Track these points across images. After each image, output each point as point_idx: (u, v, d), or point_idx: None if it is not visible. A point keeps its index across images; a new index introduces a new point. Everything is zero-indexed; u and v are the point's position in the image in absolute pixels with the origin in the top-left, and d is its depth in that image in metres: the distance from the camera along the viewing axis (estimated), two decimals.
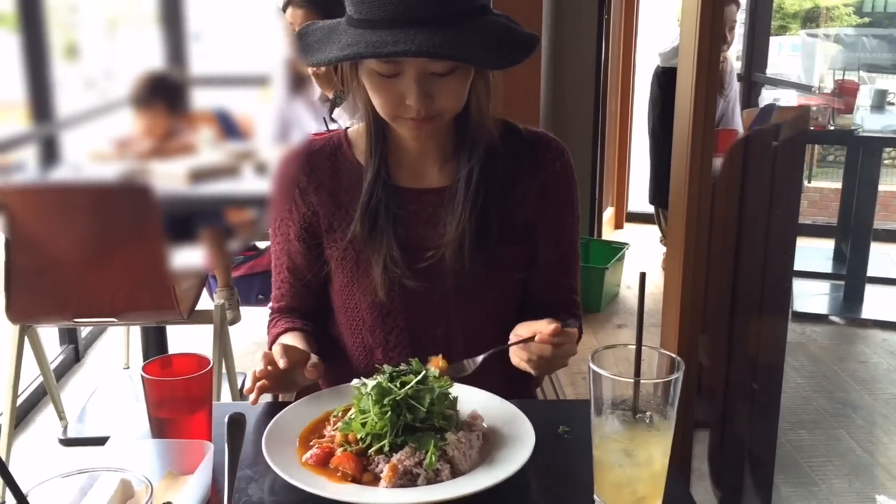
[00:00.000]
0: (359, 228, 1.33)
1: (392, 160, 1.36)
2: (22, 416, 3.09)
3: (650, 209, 5.50)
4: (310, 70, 2.59)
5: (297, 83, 2.57)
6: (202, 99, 2.41)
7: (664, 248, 4.77)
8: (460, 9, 1.16)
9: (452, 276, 1.32)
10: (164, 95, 2.09)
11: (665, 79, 4.58)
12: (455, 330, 1.37)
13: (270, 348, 1.33)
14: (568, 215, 1.41)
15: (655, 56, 4.77)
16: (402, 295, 1.35)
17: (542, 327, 1.17)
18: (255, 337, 3.73)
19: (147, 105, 2.06)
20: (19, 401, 2.87)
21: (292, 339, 1.35)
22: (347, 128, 1.44)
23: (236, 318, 3.03)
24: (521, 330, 1.23)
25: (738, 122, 4.60)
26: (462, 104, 1.26)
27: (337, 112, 2.61)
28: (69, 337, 3.64)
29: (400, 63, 1.18)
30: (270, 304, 1.50)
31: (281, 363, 1.17)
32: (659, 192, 4.71)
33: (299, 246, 1.41)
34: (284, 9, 2.68)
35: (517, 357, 1.23)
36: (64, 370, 3.54)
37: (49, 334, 3.41)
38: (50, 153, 2.46)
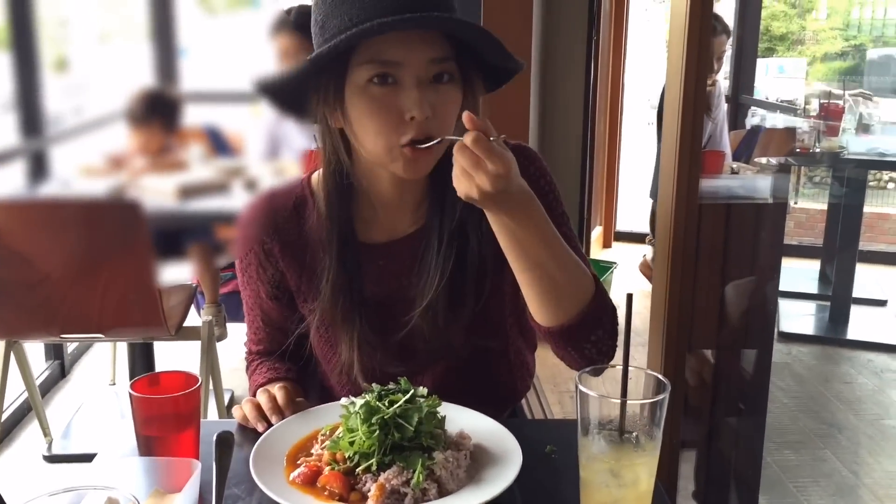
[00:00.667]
0: (328, 307, 1.27)
1: (358, 216, 1.29)
2: (6, 432, 3.06)
3: (638, 228, 5.55)
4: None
5: None
6: (192, 115, 2.41)
7: (649, 250, 4.82)
8: (451, 9, 1.14)
9: (432, 335, 1.26)
10: (161, 112, 2.09)
11: None
12: (451, 368, 1.33)
13: (253, 394, 1.31)
14: (555, 218, 1.24)
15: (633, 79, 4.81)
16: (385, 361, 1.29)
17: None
18: (242, 354, 3.70)
19: (143, 122, 2.05)
20: (4, 416, 2.85)
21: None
22: (310, 174, 1.35)
23: (223, 335, 3.02)
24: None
25: (726, 144, 4.64)
26: (454, 121, 1.17)
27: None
28: (55, 352, 3.62)
29: (397, 65, 1.11)
30: (246, 342, 1.46)
31: (273, 419, 1.18)
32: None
33: (272, 304, 1.36)
34: (275, 34, 2.63)
35: (458, 176, 1.05)
36: (49, 386, 3.52)
37: (35, 349, 3.39)
38: (38, 168, 2.46)
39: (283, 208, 1.32)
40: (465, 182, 1.03)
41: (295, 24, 2.60)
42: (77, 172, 2.24)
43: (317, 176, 1.32)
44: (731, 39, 5.08)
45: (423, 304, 1.25)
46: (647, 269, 4.80)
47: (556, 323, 1.17)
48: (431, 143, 1.13)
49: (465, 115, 1.01)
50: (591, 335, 1.18)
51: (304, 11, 2.63)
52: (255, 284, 1.36)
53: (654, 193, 4.97)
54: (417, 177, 1.20)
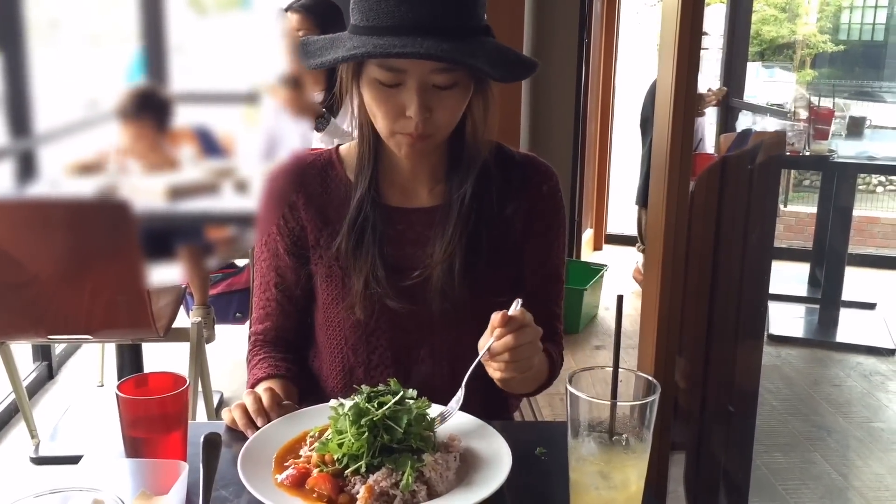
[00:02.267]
0: (344, 244, 1.33)
1: (382, 179, 1.36)
2: None
3: (628, 231, 5.55)
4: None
5: (294, 90, 2.57)
6: (182, 116, 2.41)
7: (641, 257, 4.83)
8: (468, 24, 1.18)
9: (438, 298, 1.31)
10: (152, 110, 2.09)
11: None
12: (439, 351, 1.36)
13: (251, 386, 1.34)
14: (553, 240, 1.40)
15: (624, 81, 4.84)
16: (386, 314, 1.34)
17: (494, 323, 1.14)
18: (231, 356, 3.70)
19: (134, 118, 2.05)
20: None
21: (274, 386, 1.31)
22: (339, 145, 1.44)
23: (211, 337, 3.01)
24: (481, 341, 1.19)
25: (711, 146, 4.69)
26: (456, 123, 1.26)
27: (319, 137, 2.62)
28: (42, 353, 3.59)
29: (403, 73, 1.18)
30: (251, 328, 1.47)
31: (259, 422, 1.19)
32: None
33: (289, 260, 1.40)
34: (287, 11, 2.73)
35: (492, 369, 1.17)
36: (37, 387, 3.50)
37: (22, 351, 3.37)
38: (27, 168, 2.45)
39: (310, 165, 1.40)
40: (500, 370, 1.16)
41: (305, 6, 2.68)
42: (66, 169, 2.22)
43: (346, 147, 1.41)
44: (718, 38, 5.11)
45: (443, 252, 1.31)
46: (640, 276, 4.81)
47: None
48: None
49: (493, 323, 1.13)
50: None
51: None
52: (273, 243, 1.40)
53: (640, 200, 4.97)
54: (413, 159, 1.30)
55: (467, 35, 1.18)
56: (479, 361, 1.16)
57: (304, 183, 1.38)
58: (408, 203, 1.36)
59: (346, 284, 1.35)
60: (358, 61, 1.22)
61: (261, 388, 1.26)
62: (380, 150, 1.33)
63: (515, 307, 1.15)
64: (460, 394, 1.18)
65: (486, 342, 1.15)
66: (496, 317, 1.13)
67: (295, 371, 1.40)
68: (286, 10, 2.71)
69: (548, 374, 1.37)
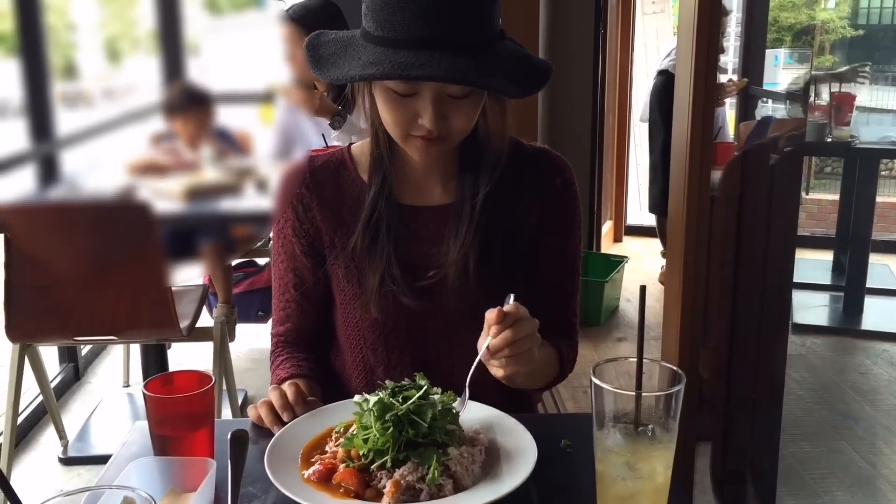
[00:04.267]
0: (359, 242, 1.32)
1: (396, 177, 1.34)
2: (22, 435, 3.08)
3: (648, 222, 5.49)
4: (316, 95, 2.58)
5: (307, 91, 2.57)
6: None
7: (664, 262, 4.76)
8: (483, 37, 1.16)
9: (455, 296, 1.31)
10: (197, 103, 2.12)
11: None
12: (458, 349, 1.34)
13: (276, 382, 1.34)
14: (569, 233, 1.39)
15: (660, 63, 4.66)
16: (403, 314, 1.33)
17: (490, 321, 1.13)
18: (254, 354, 3.72)
19: (180, 112, 2.09)
20: (19, 420, 2.86)
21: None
22: (351, 144, 1.44)
23: (231, 336, 3.03)
24: (480, 341, 1.18)
25: (729, 134, 4.60)
26: (471, 128, 1.25)
27: (335, 135, 2.62)
28: (69, 355, 3.63)
29: (418, 84, 1.17)
30: (273, 329, 1.47)
31: (285, 417, 1.21)
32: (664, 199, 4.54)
33: (306, 261, 1.40)
34: (280, 24, 2.70)
35: (494, 367, 1.16)
36: (64, 389, 3.53)
37: (49, 353, 3.41)
38: (49, 171, 2.47)
39: (322, 166, 1.39)
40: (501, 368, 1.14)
41: (293, 17, 2.66)
42: (125, 167, 2.23)
43: (358, 146, 1.40)
44: (729, 18, 4.97)
45: (457, 251, 1.31)
46: (664, 280, 4.71)
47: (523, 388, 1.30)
48: None
49: (487, 321, 1.13)
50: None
51: (302, 7, 2.70)
52: (290, 245, 1.40)
53: (656, 209, 4.76)
54: (427, 162, 1.29)
55: (485, 46, 1.16)
56: (480, 362, 1.15)
57: (317, 185, 1.38)
58: (421, 201, 1.36)
59: (363, 283, 1.35)
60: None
61: (285, 385, 1.26)
62: (394, 148, 1.32)
63: (508, 302, 1.15)
64: (465, 395, 1.17)
65: (483, 341, 1.14)
66: (490, 314, 1.12)
67: (318, 370, 1.40)
68: (280, 22, 2.67)
69: (557, 367, 1.37)
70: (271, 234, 1.45)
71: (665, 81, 4.44)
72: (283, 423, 1.19)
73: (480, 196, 1.31)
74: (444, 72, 1.11)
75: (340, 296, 1.39)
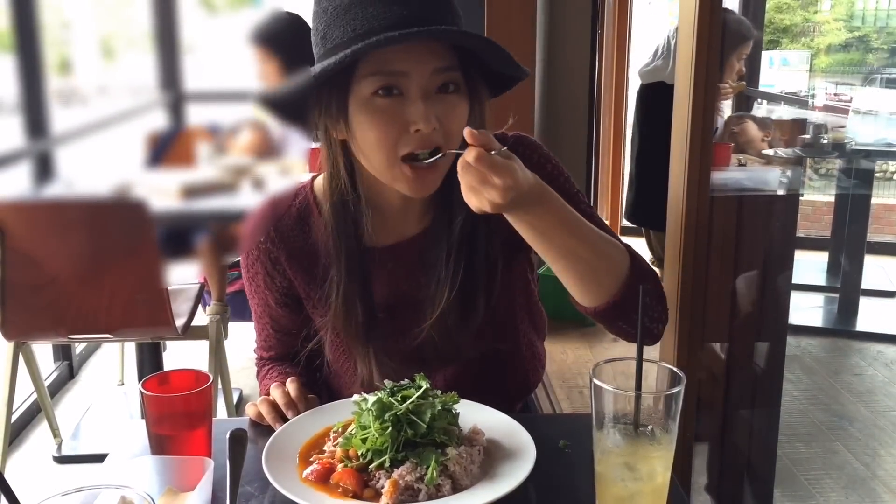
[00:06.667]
0: (341, 323, 1.27)
1: (366, 222, 1.24)
2: (16, 433, 3.07)
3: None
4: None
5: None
6: (195, 114, 2.42)
7: (658, 271, 4.63)
8: (454, 22, 1.13)
9: (447, 347, 1.27)
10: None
11: (650, 94, 4.34)
12: (458, 375, 1.33)
13: (265, 394, 1.30)
14: (567, 198, 1.18)
15: (636, 75, 4.57)
16: (393, 365, 1.28)
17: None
18: (249, 353, 3.71)
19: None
20: (13, 418, 2.85)
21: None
22: (313, 179, 1.33)
23: (224, 335, 3.01)
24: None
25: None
26: (461, 131, 1.11)
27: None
28: (63, 353, 3.62)
29: (403, 76, 1.09)
30: (256, 351, 1.46)
31: (289, 415, 1.19)
32: (645, 210, 4.32)
33: (281, 311, 1.36)
34: (249, 44, 2.66)
35: (476, 195, 1.03)
36: (58, 387, 3.52)
37: (43, 351, 3.40)
38: (44, 169, 2.46)
39: (286, 216, 1.31)
40: (476, 198, 1.03)
41: (258, 39, 2.62)
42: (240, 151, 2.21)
43: (320, 181, 1.29)
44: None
45: (435, 311, 1.24)
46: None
47: (601, 302, 1.15)
48: (433, 159, 1.12)
49: (466, 132, 1.01)
50: (638, 304, 1.05)
51: (266, 26, 2.66)
52: (263, 293, 1.35)
53: (639, 220, 4.47)
54: (424, 195, 1.18)
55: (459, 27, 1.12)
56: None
57: (283, 239, 1.29)
58: (395, 239, 1.28)
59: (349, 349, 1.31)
60: (344, 86, 1.11)
61: (288, 382, 1.25)
62: (360, 194, 1.22)
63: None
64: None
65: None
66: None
67: (307, 379, 1.37)
68: (249, 43, 2.62)
69: (625, 252, 1.19)
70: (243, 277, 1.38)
71: (641, 90, 4.33)
72: (286, 421, 1.18)
73: (458, 221, 1.23)
74: (423, 36, 1.06)
75: (330, 353, 1.35)
